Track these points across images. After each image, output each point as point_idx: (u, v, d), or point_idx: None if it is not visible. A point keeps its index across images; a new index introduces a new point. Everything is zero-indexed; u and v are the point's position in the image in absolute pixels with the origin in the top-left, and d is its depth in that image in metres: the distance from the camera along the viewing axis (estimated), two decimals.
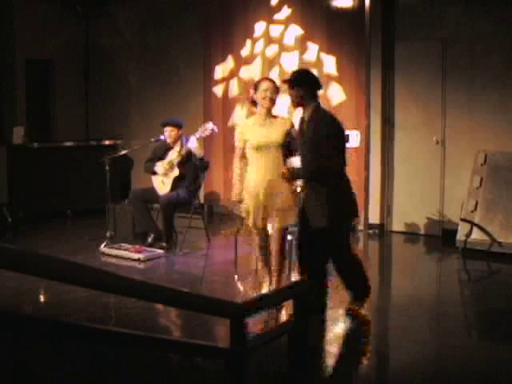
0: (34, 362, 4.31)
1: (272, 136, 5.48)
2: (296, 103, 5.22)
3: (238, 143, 5.66)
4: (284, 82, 5.32)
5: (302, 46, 8.87)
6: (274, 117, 5.60)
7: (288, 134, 5.52)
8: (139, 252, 7.22)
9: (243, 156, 5.63)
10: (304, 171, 5.19)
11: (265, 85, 5.51)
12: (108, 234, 7.58)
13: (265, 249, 5.71)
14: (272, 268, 5.71)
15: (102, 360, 4.32)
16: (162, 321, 5.67)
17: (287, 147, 5.54)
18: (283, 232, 5.59)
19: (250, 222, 5.59)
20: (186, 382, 4.25)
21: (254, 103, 5.60)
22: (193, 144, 7.40)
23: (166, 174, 7.68)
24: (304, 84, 5.17)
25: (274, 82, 5.60)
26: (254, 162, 5.54)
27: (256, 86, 5.55)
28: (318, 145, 5.01)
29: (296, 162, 5.47)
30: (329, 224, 5.02)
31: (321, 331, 5.07)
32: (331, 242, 5.14)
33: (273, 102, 5.52)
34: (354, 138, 8.57)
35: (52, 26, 10.33)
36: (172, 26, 9.98)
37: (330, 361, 4.68)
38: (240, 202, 5.64)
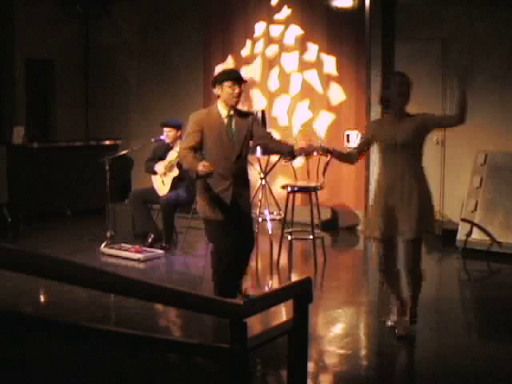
0: (34, 362, 4.31)
1: (400, 135, 4.79)
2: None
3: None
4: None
5: (302, 45, 8.88)
6: (408, 115, 4.87)
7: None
8: (139, 252, 7.23)
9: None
10: None
11: (398, 79, 4.90)
12: (108, 234, 7.58)
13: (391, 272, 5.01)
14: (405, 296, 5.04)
15: (102, 360, 4.32)
16: (161, 321, 5.67)
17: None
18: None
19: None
20: (186, 381, 4.25)
21: (385, 102, 4.89)
22: None
23: (165, 174, 7.69)
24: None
25: (405, 76, 5.00)
26: (384, 163, 4.93)
27: (386, 83, 4.94)
28: None
29: None
30: None
31: None
32: None
33: (408, 97, 4.87)
34: (353, 138, 8.58)
35: (52, 26, 10.32)
36: (172, 25, 9.97)
37: (330, 361, 4.68)
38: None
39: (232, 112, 5.26)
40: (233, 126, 5.25)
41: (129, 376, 4.25)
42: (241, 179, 5.31)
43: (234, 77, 5.22)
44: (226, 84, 5.17)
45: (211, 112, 5.28)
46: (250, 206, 5.54)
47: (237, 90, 5.17)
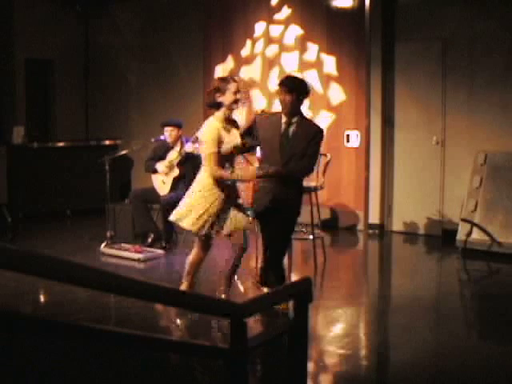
0: (34, 362, 4.30)
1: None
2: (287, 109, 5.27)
3: None
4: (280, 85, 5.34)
5: (301, 45, 8.88)
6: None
7: None
8: (139, 252, 7.22)
9: None
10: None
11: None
12: (108, 234, 7.58)
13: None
14: None
15: (102, 360, 4.32)
16: (161, 321, 5.67)
17: None
18: None
19: None
20: (186, 382, 4.25)
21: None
22: (188, 146, 7.45)
23: (165, 174, 7.69)
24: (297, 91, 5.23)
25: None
26: None
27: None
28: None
29: None
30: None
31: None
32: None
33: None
34: (354, 138, 8.58)
35: (52, 25, 10.33)
36: (172, 25, 9.98)
37: (330, 361, 4.67)
38: None
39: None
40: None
41: (129, 376, 4.25)
42: None
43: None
44: None
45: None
46: None
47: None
